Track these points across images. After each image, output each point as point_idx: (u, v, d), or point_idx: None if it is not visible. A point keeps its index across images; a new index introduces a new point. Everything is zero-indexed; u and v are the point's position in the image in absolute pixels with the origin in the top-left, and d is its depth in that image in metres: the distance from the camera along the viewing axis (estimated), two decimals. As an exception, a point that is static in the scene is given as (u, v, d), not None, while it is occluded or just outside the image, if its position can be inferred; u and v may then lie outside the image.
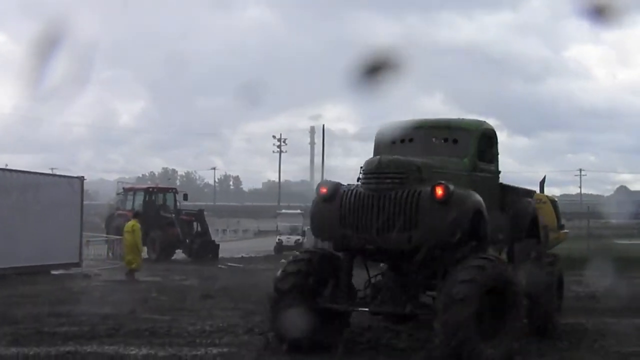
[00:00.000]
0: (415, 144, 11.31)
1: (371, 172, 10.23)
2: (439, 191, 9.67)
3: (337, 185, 10.55)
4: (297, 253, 11.91)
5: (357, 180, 10.46)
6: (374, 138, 11.88)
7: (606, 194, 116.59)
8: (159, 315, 14.35)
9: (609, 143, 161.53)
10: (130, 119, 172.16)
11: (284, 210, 54.78)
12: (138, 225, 23.76)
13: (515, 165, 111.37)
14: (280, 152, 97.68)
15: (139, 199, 35.76)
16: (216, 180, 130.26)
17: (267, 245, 43.60)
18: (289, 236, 42.87)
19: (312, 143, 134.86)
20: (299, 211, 51.28)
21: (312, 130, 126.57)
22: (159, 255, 32.86)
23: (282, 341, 10.39)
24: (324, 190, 10.49)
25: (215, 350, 10.66)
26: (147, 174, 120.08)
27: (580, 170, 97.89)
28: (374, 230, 9.92)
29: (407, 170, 10.08)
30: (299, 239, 41.76)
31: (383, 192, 9.94)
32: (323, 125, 46.98)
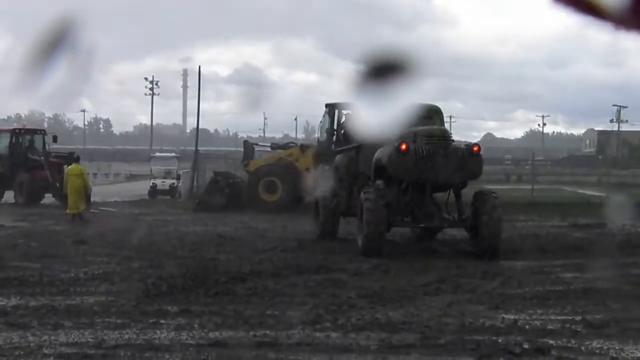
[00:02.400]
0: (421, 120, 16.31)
1: (434, 135, 15.32)
2: (476, 148, 15.55)
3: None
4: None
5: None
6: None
7: (474, 141, 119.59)
8: (29, 262, 13.58)
9: (477, 91, 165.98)
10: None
11: (157, 154, 53.42)
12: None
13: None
14: (153, 94, 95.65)
15: (5, 141, 33.99)
16: (86, 123, 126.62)
17: (140, 189, 42.52)
18: (163, 180, 41.83)
19: (185, 86, 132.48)
20: (173, 154, 50.25)
21: (185, 73, 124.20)
22: (27, 199, 31.47)
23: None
24: (404, 146, 14.80)
25: (91, 299, 10.13)
26: (12, 116, 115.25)
27: (450, 117, 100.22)
28: (442, 172, 14.97)
29: (450, 135, 15.92)
30: (173, 183, 40.89)
31: (444, 149, 15.07)
32: (199, 67, 45.75)
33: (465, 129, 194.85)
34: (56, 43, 5.51)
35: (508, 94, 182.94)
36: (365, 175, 16.87)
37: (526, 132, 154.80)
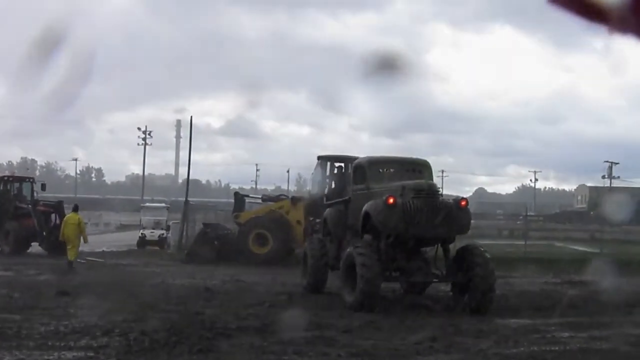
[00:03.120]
0: (396, 173, 16.61)
1: (422, 189, 15.34)
2: (463, 202, 15.72)
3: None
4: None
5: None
6: (356, 165, 17.81)
7: (465, 195, 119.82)
8: (9, 314, 13.16)
9: (468, 146, 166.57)
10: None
11: (147, 204, 53.02)
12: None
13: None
14: (145, 144, 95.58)
15: (-7, 188, 33.72)
16: (78, 171, 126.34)
17: (129, 239, 42.07)
18: (152, 230, 41.38)
19: (178, 137, 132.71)
20: (163, 205, 49.83)
21: (179, 124, 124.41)
22: (13, 248, 31.04)
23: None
24: (391, 200, 14.84)
25: (69, 355, 9.73)
26: (4, 164, 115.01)
27: (442, 171, 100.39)
28: (428, 226, 14.97)
29: (438, 189, 16.10)
30: (163, 234, 40.44)
31: (432, 203, 15.15)
32: (191, 118, 45.79)
33: (457, 184, 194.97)
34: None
35: (499, 148, 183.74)
36: (354, 229, 16.71)
37: (518, 187, 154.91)
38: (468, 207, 15.89)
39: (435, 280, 16.13)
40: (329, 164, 27.00)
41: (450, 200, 15.95)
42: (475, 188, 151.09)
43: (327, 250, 17.72)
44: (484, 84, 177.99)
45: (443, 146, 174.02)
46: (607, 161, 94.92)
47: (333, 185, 26.55)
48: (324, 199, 25.58)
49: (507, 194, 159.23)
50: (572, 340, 11.85)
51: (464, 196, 17.24)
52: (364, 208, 15.63)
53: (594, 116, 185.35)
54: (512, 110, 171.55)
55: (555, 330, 12.85)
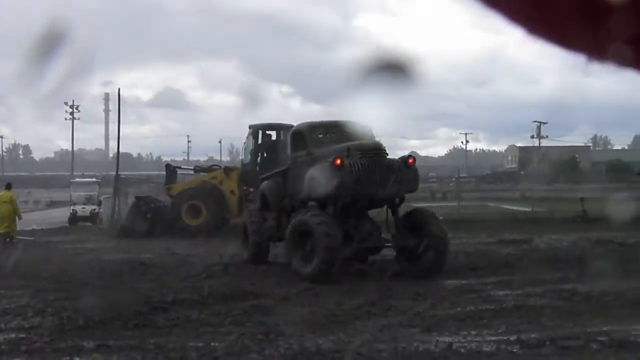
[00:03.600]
0: (337, 138, 15.78)
1: (369, 149, 14.96)
2: (411, 160, 15.33)
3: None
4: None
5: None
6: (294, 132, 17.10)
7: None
8: None
9: (400, 109, 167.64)
10: None
11: (77, 179, 52.05)
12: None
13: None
14: (73, 119, 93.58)
15: None
16: (4, 149, 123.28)
17: (60, 216, 41.30)
18: (83, 206, 40.67)
19: (107, 110, 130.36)
20: (94, 180, 48.98)
21: (107, 97, 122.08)
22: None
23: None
24: (338, 161, 14.36)
25: (0, 337, 9.47)
26: None
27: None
28: (379, 186, 14.60)
29: (384, 148, 15.41)
30: (94, 209, 39.78)
31: (380, 162, 14.81)
32: (119, 91, 44.71)
33: (389, 148, 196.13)
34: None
35: (430, 112, 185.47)
36: (294, 198, 16.25)
37: (449, 149, 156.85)
38: (415, 165, 15.56)
39: (388, 245, 15.51)
40: (260, 132, 26.77)
41: (397, 159, 15.35)
42: (407, 152, 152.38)
43: (268, 221, 17.25)
44: (413, 47, 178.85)
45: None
46: (535, 121, 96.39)
47: (265, 154, 26.39)
48: (257, 168, 25.48)
49: (439, 156, 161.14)
50: (507, 298, 12.01)
51: (409, 154, 16.31)
52: (310, 172, 15.06)
53: (522, 77, 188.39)
54: (442, 73, 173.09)
55: (491, 289, 13.01)
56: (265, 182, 18.00)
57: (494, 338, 9.21)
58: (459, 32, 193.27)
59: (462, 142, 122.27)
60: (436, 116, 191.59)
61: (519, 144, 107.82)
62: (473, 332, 9.58)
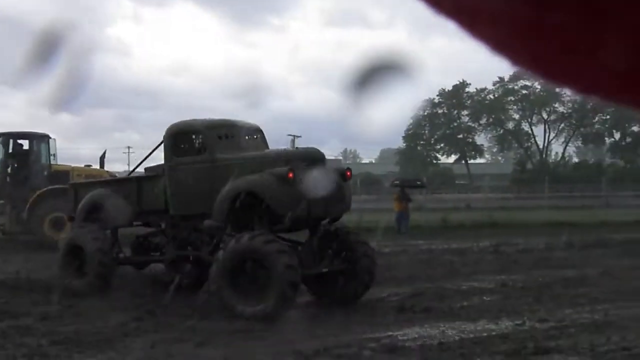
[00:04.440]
0: (236, 140, 13.10)
1: (315, 158, 12.38)
2: (349, 173, 12.87)
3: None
4: None
5: None
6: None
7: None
8: None
9: (153, 121, 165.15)
10: None
11: None
12: None
13: (63, 143, 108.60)
14: None
15: None
16: None
17: None
18: None
19: None
20: None
21: None
22: None
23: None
24: (291, 174, 11.64)
25: None
26: None
27: (129, 147, 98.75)
28: (328, 204, 12.10)
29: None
30: None
31: (327, 175, 12.11)
32: None
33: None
34: None
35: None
36: (156, 212, 13.70)
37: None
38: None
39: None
40: (11, 141, 25.21)
41: (336, 171, 12.98)
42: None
43: (112, 240, 14.31)
44: (168, 59, 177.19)
45: (127, 122, 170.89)
46: (290, 134, 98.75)
47: (16, 165, 24.89)
48: (8, 179, 24.01)
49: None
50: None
51: (347, 166, 13.91)
52: (245, 186, 12.03)
53: (275, 91, 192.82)
54: (196, 85, 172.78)
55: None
56: (99, 191, 14.67)
57: (269, 349, 9.16)
58: (214, 45, 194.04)
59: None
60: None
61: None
62: (247, 345, 9.48)
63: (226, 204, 12.11)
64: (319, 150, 12.84)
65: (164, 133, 13.67)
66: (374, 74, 1.44)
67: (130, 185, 14.43)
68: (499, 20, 0.60)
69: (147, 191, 13.81)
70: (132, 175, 16.28)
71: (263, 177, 11.92)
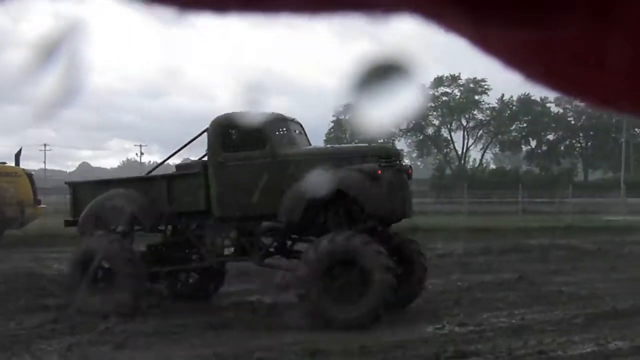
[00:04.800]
0: (289, 135, 12.08)
1: (393, 156, 11.85)
2: (410, 171, 12.20)
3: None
4: None
5: None
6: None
7: (69, 170, 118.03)
8: None
9: (70, 119, 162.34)
10: None
11: None
12: None
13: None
14: None
15: None
16: None
17: None
18: None
19: None
20: None
21: None
22: None
23: None
24: (379, 171, 11.02)
25: None
26: None
27: (45, 145, 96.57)
28: (403, 205, 11.69)
29: None
30: None
31: (402, 175, 11.71)
32: None
33: (59, 158, 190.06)
34: None
35: (103, 122, 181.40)
36: (192, 214, 12.34)
37: (123, 161, 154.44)
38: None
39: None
40: None
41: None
42: (79, 162, 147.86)
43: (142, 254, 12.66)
44: (88, 57, 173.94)
45: (43, 119, 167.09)
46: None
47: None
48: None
49: (111, 168, 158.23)
50: (196, 314, 11.89)
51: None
52: (331, 183, 10.55)
53: (196, 92, 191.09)
54: (116, 84, 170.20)
55: (184, 304, 12.76)
56: (123, 191, 12.81)
57: (188, 353, 9.03)
58: (139, 46, 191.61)
59: (136, 154, 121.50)
60: (109, 127, 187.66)
61: (192, 158, 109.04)
62: (166, 348, 9.33)
63: (302, 203, 11.05)
64: (394, 147, 12.17)
65: (207, 126, 12.18)
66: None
67: (159, 184, 12.74)
68: (510, 36, 0.58)
69: (180, 191, 12.38)
70: (149, 174, 14.67)
71: (351, 174, 11.05)
